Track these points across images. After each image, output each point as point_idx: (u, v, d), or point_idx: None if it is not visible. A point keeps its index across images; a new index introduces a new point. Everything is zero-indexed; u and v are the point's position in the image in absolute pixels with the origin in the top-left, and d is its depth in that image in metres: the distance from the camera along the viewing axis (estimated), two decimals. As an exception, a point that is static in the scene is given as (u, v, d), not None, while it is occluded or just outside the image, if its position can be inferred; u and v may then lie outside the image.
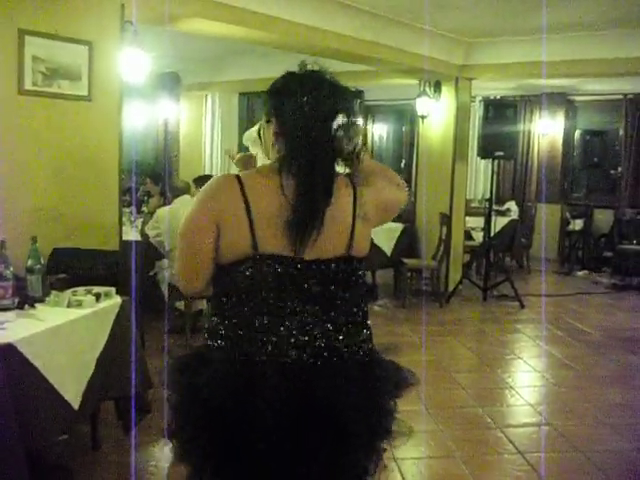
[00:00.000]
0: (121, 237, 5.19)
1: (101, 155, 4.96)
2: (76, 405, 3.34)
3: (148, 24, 5.62)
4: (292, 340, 2.01)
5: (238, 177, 2.04)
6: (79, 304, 3.57)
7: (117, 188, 5.08)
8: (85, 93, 4.80)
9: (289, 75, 2.15)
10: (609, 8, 6.79)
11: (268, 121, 2.12)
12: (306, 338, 2.02)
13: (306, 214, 1.96)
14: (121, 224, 5.23)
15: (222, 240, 2.02)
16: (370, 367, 2.15)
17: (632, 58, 7.70)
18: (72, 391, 3.33)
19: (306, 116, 2.00)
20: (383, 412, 2.23)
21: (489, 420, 4.80)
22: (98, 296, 3.70)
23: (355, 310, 2.14)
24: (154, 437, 4.19)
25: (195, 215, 2.05)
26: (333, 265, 2.06)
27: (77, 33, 4.69)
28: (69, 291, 3.67)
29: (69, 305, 3.55)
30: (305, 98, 2.03)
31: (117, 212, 5.11)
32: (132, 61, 5.27)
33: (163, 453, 4.11)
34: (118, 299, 3.82)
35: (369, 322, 2.21)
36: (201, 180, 7.33)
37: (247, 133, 4.10)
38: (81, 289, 3.71)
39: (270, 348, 1.99)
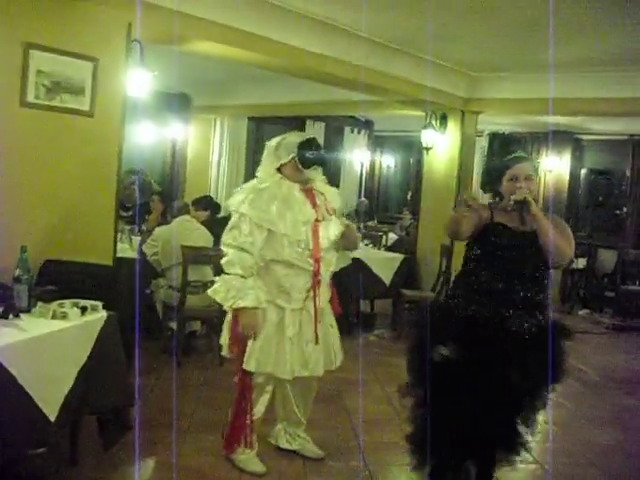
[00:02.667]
0: (115, 253, 5.18)
1: (100, 170, 4.98)
2: (53, 417, 3.31)
3: (155, 44, 5.66)
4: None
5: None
6: (64, 316, 3.56)
7: (114, 204, 5.09)
8: (87, 108, 4.83)
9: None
10: (617, 47, 6.80)
11: None
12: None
13: None
14: (116, 240, 5.23)
15: None
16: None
17: (637, 98, 7.70)
18: (50, 403, 3.31)
19: None
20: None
21: (476, 454, 4.73)
22: (84, 309, 3.70)
23: None
24: (133, 455, 4.15)
25: None
26: None
27: (83, 49, 4.73)
28: (55, 303, 3.66)
29: (54, 317, 3.55)
30: None
31: (112, 228, 5.11)
32: (137, 79, 5.29)
33: (142, 471, 4.08)
34: (104, 313, 3.81)
35: None
36: (199, 202, 7.37)
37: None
38: (68, 302, 3.70)
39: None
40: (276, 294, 3.95)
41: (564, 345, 3.57)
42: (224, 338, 4.11)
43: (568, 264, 3.83)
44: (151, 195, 8.89)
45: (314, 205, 4.05)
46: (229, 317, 4.05)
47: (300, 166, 3.96)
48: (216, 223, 7.01)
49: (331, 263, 4.16)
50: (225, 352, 4.14)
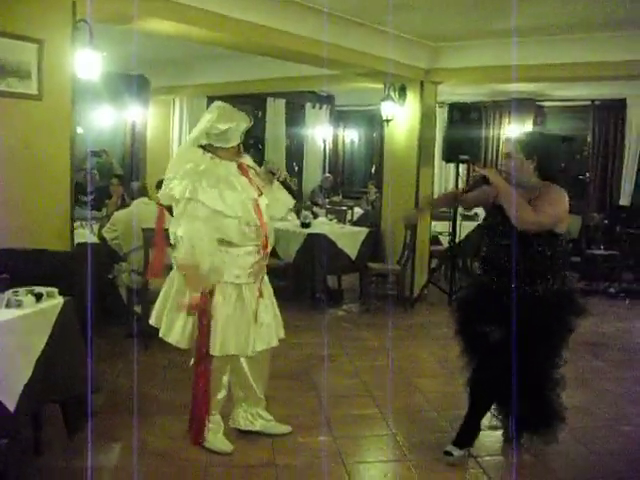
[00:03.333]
0: (72, 238, 5.09)
1: (52, 154, 4.86)
2: (12, 407, 3.24)
3: (103, 23, 5.52)
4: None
5: None
6: (19, 304, 3.48)
7: (69, 188, 4.99)
8: (35, 92, 4.71)
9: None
10: (577, 12, 6.77)
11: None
12: None
13: None
14: (72, 225, 5.13)
15: None
16: None
17: (600, 63, 7.69)
18: (8, 393, 3.24)
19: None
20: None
21: (445, 425, 4.74)
22: (39, 296, 3.62)
23: None
24: (100, 442, 4.10)
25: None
26: None
27: (26, 30, 4.60)
28: (10, 291, 3.58)
29: (8, 305, 3.47)
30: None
31: (69, 213, 5.01)
32: (86, 61, 5.16)
33: (108, 456, 4.04)
34: (60, 300, 3.74)
35: None
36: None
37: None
38: (22, 289, 3.62)
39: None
40: (231, 273, 3.91)
41: (563, 316, 3.93)
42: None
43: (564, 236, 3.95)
44: (111, 179, 8.78)
45: (250, 180, 4.05)
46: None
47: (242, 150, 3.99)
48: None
49: (272, 236, 4.18)
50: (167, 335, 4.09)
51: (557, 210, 3.77)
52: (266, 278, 4.23)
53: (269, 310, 4.17)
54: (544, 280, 3.86)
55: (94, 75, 5.26)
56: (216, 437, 4.17)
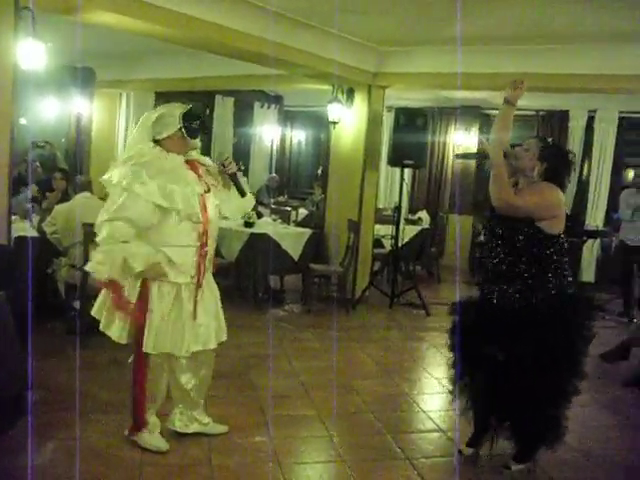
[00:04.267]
0: (9, 231, 4.99)
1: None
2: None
3: (48, 12, 5.43)
4: None
5: None
6: (-51, 298, 3.41)
7: (6, 180, 4.89)
8: (-26, 81, 4.62)
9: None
10: (523, 24, 6.89)
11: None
12: None
13: None
14: (10, 218, 5.03)
15: None
16: None
17: (544, 74, 7.79)
18: None
19: None
20: None
21: (381, 426, 4.79)
22: (-27, 291, 3.55)
23: None
24: (31, 439, 4.03)
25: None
26: None
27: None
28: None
29: (-62, 299, 3.39)
30: None
31: (6, 206, 4.92)
32: (29, 51, 5.07)
33: (41, 454, 3.97)
34: (-6, 294, 3.66)
35: None
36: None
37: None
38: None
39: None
40: (169, 271, 3.88)
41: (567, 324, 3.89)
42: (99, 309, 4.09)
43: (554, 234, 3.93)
44: (54, 171, 8.62)
45: (199, 177, 4.01)
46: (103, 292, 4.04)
47: (186, 136, 3.91)
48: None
49: (216, 235, 4.15)
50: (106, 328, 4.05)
51: (536, 199, 3.83)
52: (211, 278, 4.18)
53: (209, 311, 4.11)
54: (531, 282, 3.89)
55: (38, 65, 5.16)
56: (152, 435, 4.14)
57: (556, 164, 3.93)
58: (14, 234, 5.54)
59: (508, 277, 3.93)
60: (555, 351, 3.83)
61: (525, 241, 3.87)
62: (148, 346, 3.89)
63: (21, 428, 3.92)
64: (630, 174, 12.03)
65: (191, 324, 3.97)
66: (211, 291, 4.17)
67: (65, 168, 9.63)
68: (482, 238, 4.30)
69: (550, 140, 4.14)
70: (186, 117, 3.90)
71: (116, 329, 3.98)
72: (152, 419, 4.17)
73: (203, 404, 4.39)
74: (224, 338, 4.23)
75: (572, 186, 11.64)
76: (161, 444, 4.12)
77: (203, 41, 6.70)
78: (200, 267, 3.98)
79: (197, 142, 4.07)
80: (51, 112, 11.08)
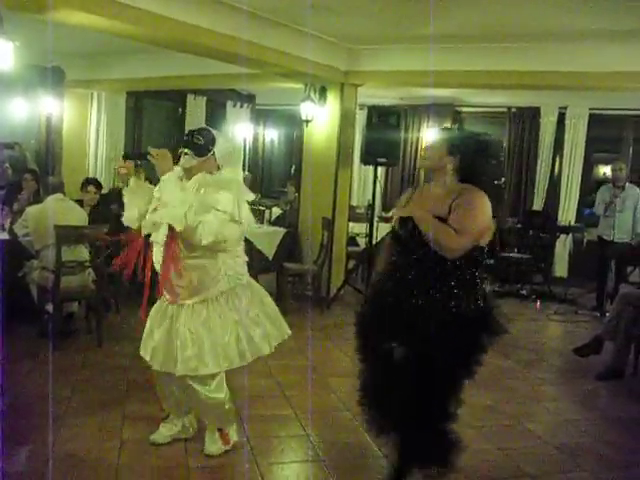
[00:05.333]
0: (-20, 234, 4.94)
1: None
2: None
3: (16, 11, 5.36)
4: None
5: None
6: None
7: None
8: (-61, 81, 4.56)
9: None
10: (494, 22, 6.95)
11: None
12: None
13: None
14: (-19, 221, 4.98)
15: None
16: None
17: (515, 72, 7.88)
18: None
19: None
20: None
21: (357, 424, 4.78)
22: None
23: None
24: (6, 445, 3.99)
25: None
26: None
27: None
28: None
29: None
30: None
31: (-24, 208, 4.87)
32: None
33: (13, 460, 3.93)
34: (-35, 298, 3.62)
35: None
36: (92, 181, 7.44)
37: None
38: None
39: None
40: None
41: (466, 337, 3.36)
42: None
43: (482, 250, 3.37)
44: (24, 173, 8.54)
45: None
46: None
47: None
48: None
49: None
50: None
51: (480, 225, 3.31)
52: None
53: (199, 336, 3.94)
54: (460, 297, 3.35)
55: (5, 65, 5.11)
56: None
57: (472, 157, 3.42)
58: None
59: (420, 288, 3.38)
60: (451, 356, 3.33)
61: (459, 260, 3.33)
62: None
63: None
64: (601, 170, 12.16)
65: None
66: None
67: (35, 169, 9.54)
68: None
69: (462, 129, 3.73)
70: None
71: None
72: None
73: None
74: (182, 372, 3.93)
75: (544, 182, 11.77)
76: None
77: (174, 40, 6.68)
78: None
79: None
80: (20, 112, 10.95)
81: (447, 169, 3.43)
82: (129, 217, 3.90)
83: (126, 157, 3.96)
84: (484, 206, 3.33)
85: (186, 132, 3.99)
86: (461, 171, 3.43)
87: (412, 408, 3.41)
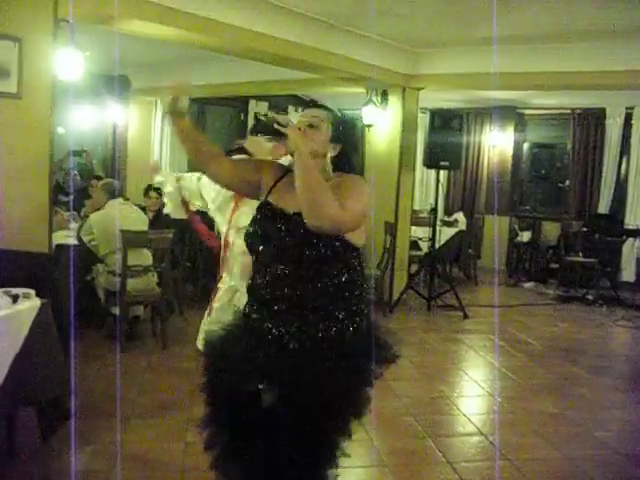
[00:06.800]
0: (50, 239, 5.06)
1: (31, 154, 4.84)
2: (-15, 410, 3.22)
3: (85, 23, 5.50)
4: None
5: None
6: (-6, 306, 3.45)
7: (47, 188, 4.96)
8: (14, 90, 4.69)
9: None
10: (557, 22, 6.84)
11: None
12: None
13: None
14: (51, 226, 5.10)
15: None
16: None
17: (579, 72, 7.74)
18: (-19, 395, 3.21)
19: None
20: None
21: (421, 430, 4.76)
22: (16, 298, 3.58)
23: None
24: (73, 444, 4.07)
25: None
26: None
27: (5, 29, 4.58)
28: (-14, 293, 3.55)
29: (-16, 307, 3.44)
30: None
31: (47, 214, 4.98)
32: (67, 60, 5.15)
33: (83, 460, 4.00)
34: (37, 302, 3.70)
35: None
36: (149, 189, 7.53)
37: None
38: (-1, 290, 3.59)
39: None
40: None
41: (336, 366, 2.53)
42: None
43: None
44: (92, 179, 8.73)
45: None
46: None
47: None
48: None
49: None
50: None
51: (362, 207, 2.51)
52: None
53: None
54: (339, 318, 2.57)
55: (76, 75, 5.24)
56: None
57: (349, 148, 2.73)
58: (54, 242, 5.63)
59: (316, 314, 2.54)
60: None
61: (318, 257, 2.50)
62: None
63: (62, 433, 3.97)
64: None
65: None
66: None
67: (101, 175, 9.74)
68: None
69: (340, 111, 2.98)
70: None
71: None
72: None
73: None
74: None
75: (610, 184, 11.53)
76: None
77: (239, 48, 6.75)
78: None
79: None
80: (88, 120, 11.19)
81: (326, 158, 2.68)
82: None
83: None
84: (365, 191, 2.58)
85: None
86: (340, 162, 2.71)
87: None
